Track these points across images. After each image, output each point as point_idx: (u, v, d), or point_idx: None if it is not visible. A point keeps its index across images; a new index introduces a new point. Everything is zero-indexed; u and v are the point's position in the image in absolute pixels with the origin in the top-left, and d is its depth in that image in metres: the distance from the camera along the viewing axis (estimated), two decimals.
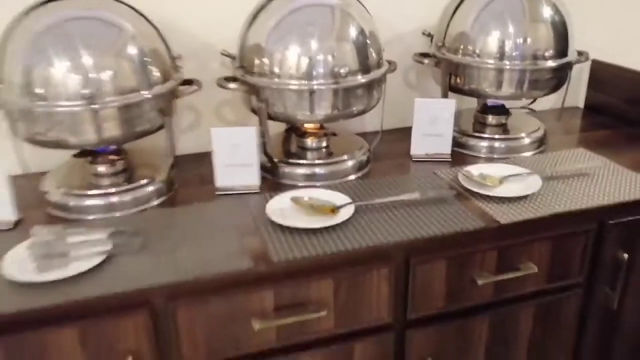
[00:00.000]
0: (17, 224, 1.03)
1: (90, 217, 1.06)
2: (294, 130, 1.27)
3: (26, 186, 1.11)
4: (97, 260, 0.91)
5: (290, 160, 1.21)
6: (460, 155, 1.32)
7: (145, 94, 1.04)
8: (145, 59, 1.04)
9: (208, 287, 0.90)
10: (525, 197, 1.12)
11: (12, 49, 0.99)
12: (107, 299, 0.85)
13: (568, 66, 1.30)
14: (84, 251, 0.92)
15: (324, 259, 0.94)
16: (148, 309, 0.87)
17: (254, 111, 1.17)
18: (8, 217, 1.03)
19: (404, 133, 1.34)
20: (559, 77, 1.31)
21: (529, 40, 1.24)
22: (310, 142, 1.25)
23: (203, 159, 1.24)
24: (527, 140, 1.35)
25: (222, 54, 1.24)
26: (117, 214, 1.07)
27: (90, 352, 0.86)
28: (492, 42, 1.25)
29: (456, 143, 1.33)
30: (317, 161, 1.21)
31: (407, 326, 1.05)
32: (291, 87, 1.11)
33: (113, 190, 1.09)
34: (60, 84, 0.98)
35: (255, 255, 0.93)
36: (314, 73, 1.10)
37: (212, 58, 1.29)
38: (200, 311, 0.90)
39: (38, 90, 0.98)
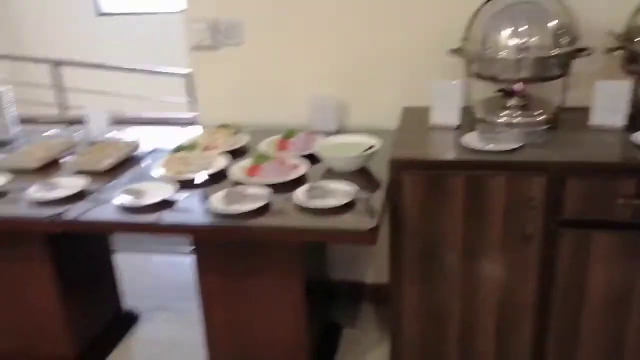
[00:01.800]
0: (457, 127, 1.69)
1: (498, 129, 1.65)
2: None
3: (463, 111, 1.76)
4: (519, 143, 1.50)
5: None
6: None
7: (554, 52, 1.58)
8: (559, 31, 1.58)
9: (588, 167, 1.40)
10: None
11: (478, 21, 1.66)
12: (526, 163, 1.43)
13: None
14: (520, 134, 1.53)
15: None
16: (546, 174, 1.42)
17: (629, 73, 1.61)
18: (455, 122, 1.70)
19: None
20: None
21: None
22: None
23: (571, 111, 1.71)
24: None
25: (608, 34, 1.69)
26: (516, 130, 1.63)
27: (511, 193, 1.45)
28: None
29: None
30: None
31: None
32: None
33: (517, 114, 1.67)
34: (503, 41, 1.59)
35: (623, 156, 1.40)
36: None
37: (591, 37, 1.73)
38: (578, 184, 1.40)
39: (489, 45, 1.61)
